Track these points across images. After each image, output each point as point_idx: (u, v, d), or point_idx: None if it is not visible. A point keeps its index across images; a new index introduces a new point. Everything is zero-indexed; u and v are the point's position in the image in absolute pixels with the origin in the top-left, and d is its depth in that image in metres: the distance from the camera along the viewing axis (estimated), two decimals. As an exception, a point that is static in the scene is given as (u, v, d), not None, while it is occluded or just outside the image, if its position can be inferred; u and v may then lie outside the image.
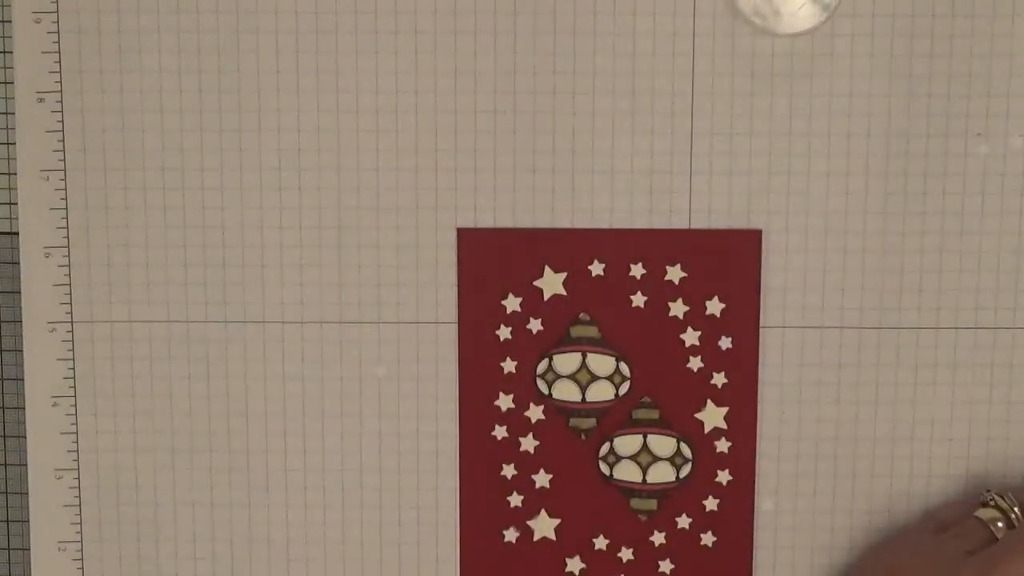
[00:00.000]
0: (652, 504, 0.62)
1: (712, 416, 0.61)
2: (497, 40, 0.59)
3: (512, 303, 0.61)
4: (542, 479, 0.61)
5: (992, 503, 0.58)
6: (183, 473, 0.62)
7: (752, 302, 0.60)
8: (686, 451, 0.61)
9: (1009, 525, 0.57)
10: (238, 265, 0.61)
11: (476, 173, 0.60)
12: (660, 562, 0.62)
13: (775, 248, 0.60)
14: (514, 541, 0.62)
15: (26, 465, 0.62)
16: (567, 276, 0.61)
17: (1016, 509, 0.57)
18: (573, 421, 0.61)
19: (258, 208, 0.61)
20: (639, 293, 0.60)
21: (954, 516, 0.59)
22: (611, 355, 0.61)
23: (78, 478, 0.62)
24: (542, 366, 0.61)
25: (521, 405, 0.61)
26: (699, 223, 0.60)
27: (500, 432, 0.61)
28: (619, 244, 0.60)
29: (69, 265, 0.61)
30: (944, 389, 0.61)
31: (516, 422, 0.61)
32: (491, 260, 0.60)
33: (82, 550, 0.62)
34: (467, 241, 0.60)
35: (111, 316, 0.61)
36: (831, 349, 0.61)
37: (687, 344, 0.61)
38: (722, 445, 0.61)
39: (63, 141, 0.60)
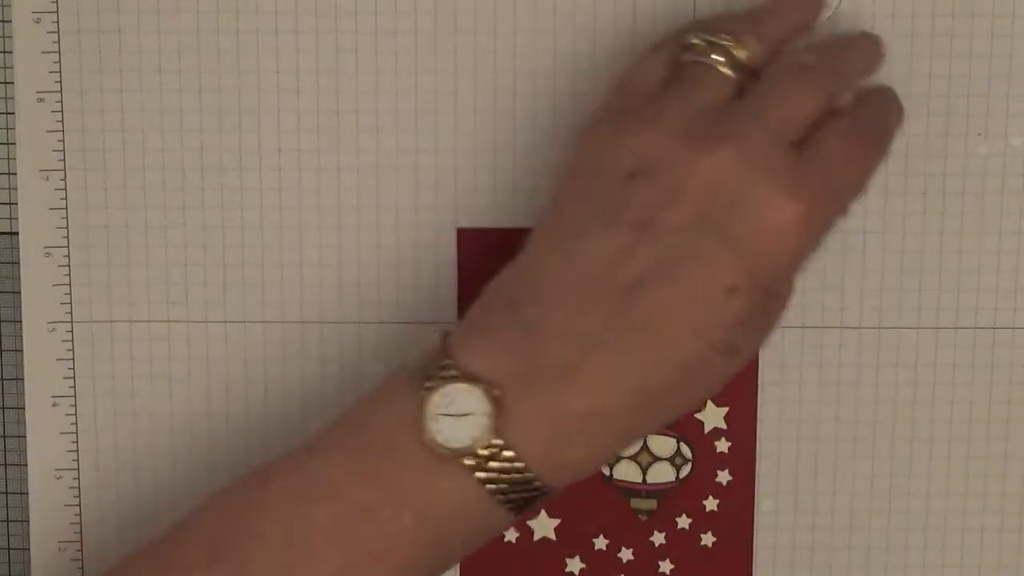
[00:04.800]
0: (652, 504, 0.62)
1: (712, 416, 0.61)
2: (497, 40, 0.59)
3: (512, 303, 0.61)
4: (542, 479, 0.62)
5: (701, 42, 0.53)
6: (183, 473, 0.62)
7: (752, 302, 0.60)
8: (686, 451, 0.61)
9: (738, 66, 0.52)
10: (238, 265, 0.61)
11: (476, 173, 0.60)
12: (660, 562, 0.62)
13: (775, 248, 0.60)
14: (514, 541, 0.62)
15: (26, 465, 0.62)
16: (567, 276, 0.60)
17: (737, 43, 0.53)
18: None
19: (258, 208, 0.60)
20: (639, 293, 0.60)
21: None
22: (611, 355, 0.61)
23: (78, 478, 0.62)
24: (542, 366, 0.61)
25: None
26: (699, 223, 0.60)
27: (500, 432, 0.61)
28: (619, 244, 0.60)
29: (69, 265, 0.61)
30: (944, 389, 0.61)
31: (516, 422, 0.61)
32: (491, 260, 0.60)
33: (82, 550, 0.62)
34: (467, 241, 0.60)
35: (111, 316, 0.61)
36: (831, 349, 0.61)
37: (687, 344, 0.61)
38: (722, 445, 0.61)
39: (63, 141, 0.60)
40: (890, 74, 0.59)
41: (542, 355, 0.49)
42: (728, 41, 0.52)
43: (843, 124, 0.51)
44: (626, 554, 0.62)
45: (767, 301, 0.50)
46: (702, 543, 0.62)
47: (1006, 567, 0.62)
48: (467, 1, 0.59)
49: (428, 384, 0.50)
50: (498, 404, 0.49)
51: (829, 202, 0.50)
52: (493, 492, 0.50)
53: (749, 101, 0.51)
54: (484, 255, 0.60)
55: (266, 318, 0.61)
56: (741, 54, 0.52)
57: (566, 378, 0.49)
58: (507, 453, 0.49)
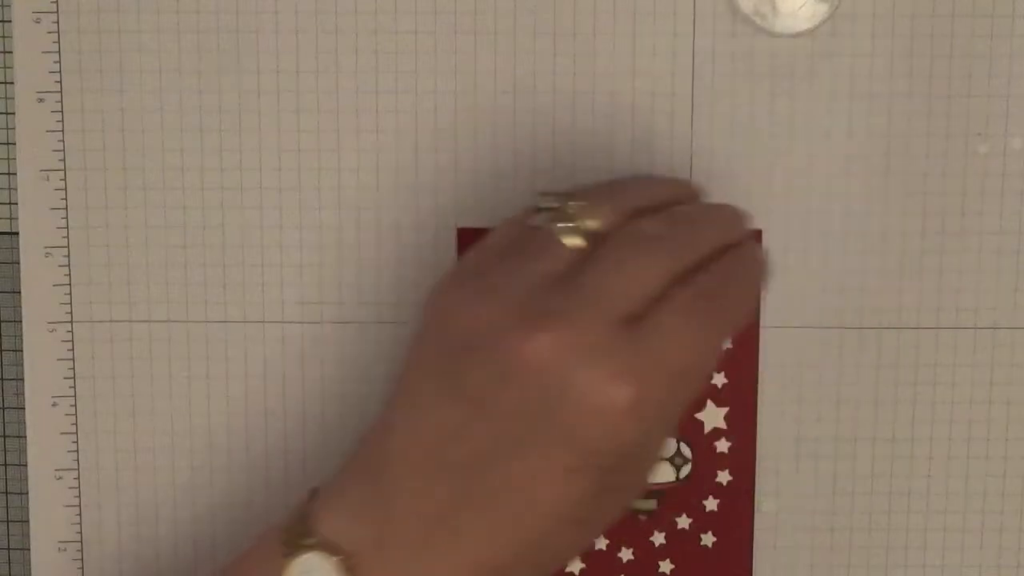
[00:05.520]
0: (652, 504, 0.62)
1: (712, 416, 0.61)
2: (497, 40, 0.59)
3: (512, 303, 0.61)
4: (542, 479, 0.61)
5: (547, 208, 0.50)
6: (183, 473, 0.62)
7: (752, 302, 0.60)
8: (686, 451, 0.61)
9: (582, 235, 0.49)
10: (238, 265, 0.61)
11: (476, 173, 0.60)
12: (660, 562, 0.62)
13: (775, 248, 0.60)
14: (514, 541, 0.62)
15: (26, 465, 0.62)
16: (567, 276, 0.60)
17: (583, 211, 0.50)
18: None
19: (258, 208, 0.61)
20: (639, 293, 0.60)
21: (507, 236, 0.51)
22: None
23: (78, 478, 0.62)
24: (542, 366, 0.61)
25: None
26: (699, 223, 0.60)
27: (500, 432, 0.61)
28: (619, 244, 0.60)
29: (69, 265, 0.61)
30: (944, 389, 0.61)
31: (516, 422, 0.61)
32: (491, 260, 0.60)
33: (82, 550, 0.62)
34: (467, 241, 0.60)
35: (111, 316, 0.61)
36: (831, 349, 0.61)
37: (687, 344, 0.61)
38: (722, 445, 0.61)
39: (63, 141, 0.60)
40: (890, 74, 0.59)
41: (394, 527, 0.49)
42: (575, 209, 0.50)
43: (683, 296, 0.48)
44: (626, 554, 0.62)
45: (615, 476, 0.49)
46: (702, 543, 0.62)
47: (1006, 567, 0.62)
48: (467, 2, 0.59)
49: (287, 551, 0.50)
50: (353, 574, 0.49)
51: (664, 382, 0.47)
52: None
53: (582, 275, 0.48)
54: (484, 255, 0.60)
55: (266, 318, 0.61)
56: (592, 223, 0.50)
57: (416, 551, 0.49)
58: None
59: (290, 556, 0.49)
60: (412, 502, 0.49)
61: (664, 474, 0.61)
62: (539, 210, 0.51)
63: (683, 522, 0.62)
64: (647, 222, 0.50)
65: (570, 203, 0.50)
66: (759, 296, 0.54)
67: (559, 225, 0.50)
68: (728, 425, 0.61)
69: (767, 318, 0.60)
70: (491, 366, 0.48)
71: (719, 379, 0.61)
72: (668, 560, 0.62)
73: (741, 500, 0.61)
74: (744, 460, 0.61)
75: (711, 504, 0.62)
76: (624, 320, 0.48)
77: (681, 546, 0.62)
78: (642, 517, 0.62)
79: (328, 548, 0.49)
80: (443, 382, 0.49)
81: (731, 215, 0.53)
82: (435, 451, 0.49)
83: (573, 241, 0.49)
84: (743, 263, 0.52)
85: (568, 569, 0.62)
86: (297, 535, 0.50)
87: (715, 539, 0.62)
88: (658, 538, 0.62)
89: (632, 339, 0.47)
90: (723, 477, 0.61)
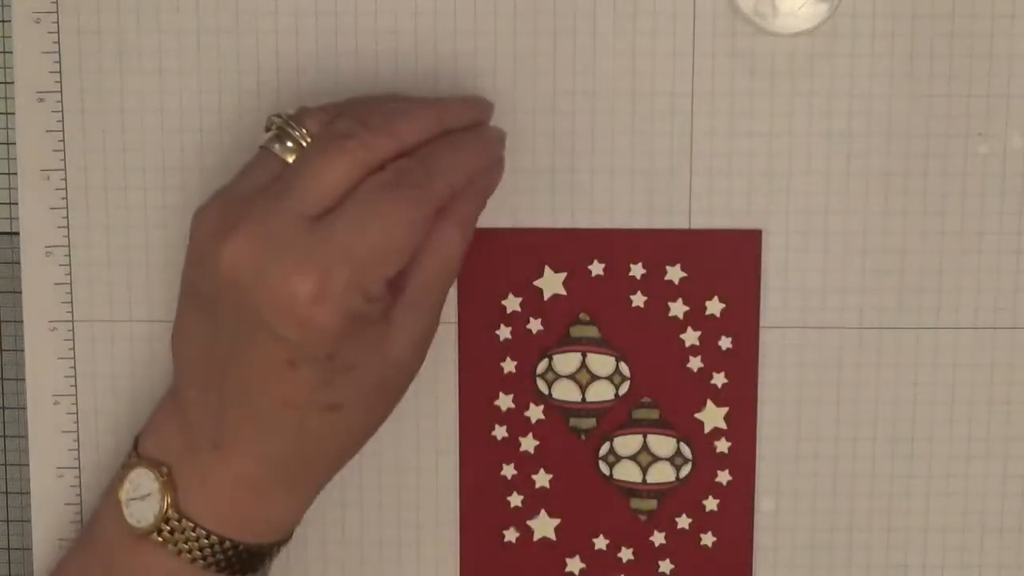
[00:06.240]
0: (652, 504, 0.62)
1: (712, 416, 0.61)
2: (497, 40, 0.59)
3: (512, 303, 0.61)
4: (542, 479, 0.62)
5: (274, 127, 0.54)
6: (184, 472, 0.62)
7: (752, 302, 0.60)
8: (686, 451, 0.61)
9: (299, 148, 0.53)
10: (238, 265, 0.61)
11: (476, 173, 0.60)
12: (660, 562, 0.62)
13: (775, 248, 0.60)
14: (514, 541, 0.62)
15: (27, 464, 0.62)
16: (567, 276, 0.61)
17: (300, 125, 0.53)
18: (573, 421, 0.61)
19: (258, 208, 0.60)
20: (639, 293, 0.60)
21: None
22: (611, 355, 0.61)
23: (79, 477, 0.62)
24: (542, 366, 0.61)
25: (521, 405, 0.61)
26: (699, 223, 0.60)
27: (500, 432, 0.61)
28: (619, 244, 0.60)
29: (70, 264, 0.61)
30: (944, 389, 0.61)
31: (516, 422, 0.61)
32: (491, 260, 0.60)
33: (83, 549, 0.62)
34: (467, 241, 0.60)
35: (112, 315, 0.61)
36: (831, 349, 0.61)
37: (687, 344, 0.61)
38: (722, 445, 0.61)
39: (63, 141, 0.60)
40: (890, 74, 0.59)
41: (192, 433, 0.54)
42: (287, 123, 0.53)
43: (369, 182, 0.51)
44: (626, 554, 0.62)
45: (341, 360, 0.51)
46: (702, 543, 0.62)
47: (1006, 567, 0.62)
48: (467, 2, 0.59)
49: (120, 474, 0.55)
50: (169, 482, 0.54)
51: (349, 267, 0.50)
52: (191, 560, 0.53)
53: (276, 181, 0.52)
54: (484, 255, 0.60)
55: (266, 318, 0.61)
56: (305, 136, 0.53)
57: (214, 453, 0.53)
58: (187, 523, 0.53)
59: (122, 478, 0.55)
60: (198, 412, 0.53)
61: (664, 474, 0.61)
62: (266, 131, 0.54)
63: (683, 522, 0.62)
64: (338, 120, 0.52)
65: (288, 120, 0.53)
66: (482, 165, 0.55)
67: (269, 140, 0.53)
68: (728, 425, 0.61)
69: (767, 318, 0.60)
70: (208, 277, 0.51)
71: (719, 379, 0.61)
72: (668, 560, 0.62)
73: (741, 500, 0.61)
74: (744, 460, 0.61)
75: (711, 504, 0.62)
76: (313, 217, 0.50)
77: (681, 546, 0.62)
78: (642, 517, 0.62)
79: (148, 463, 0.54)
80: (191, 301, 0.53)
81: (450, 104, 0.55)
82: (199, 364, 0.53)
83: (286, 156, 0.53)
84: (451, 139, 0.54)
85: (568, 569, 0.62)
86: (126, 460, 0.56)
87: (715, 539, 0.62)
88: (658, 538, 0.62)
89: (315, 231, 0.50)
90: (723, 477, 0.61)
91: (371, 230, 0.50)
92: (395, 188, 0.51)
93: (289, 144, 0.53)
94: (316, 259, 0.50)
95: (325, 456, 0.55)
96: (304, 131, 0.53)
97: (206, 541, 0.53)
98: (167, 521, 0.53)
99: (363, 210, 0.50)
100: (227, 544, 0.54)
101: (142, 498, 0.54)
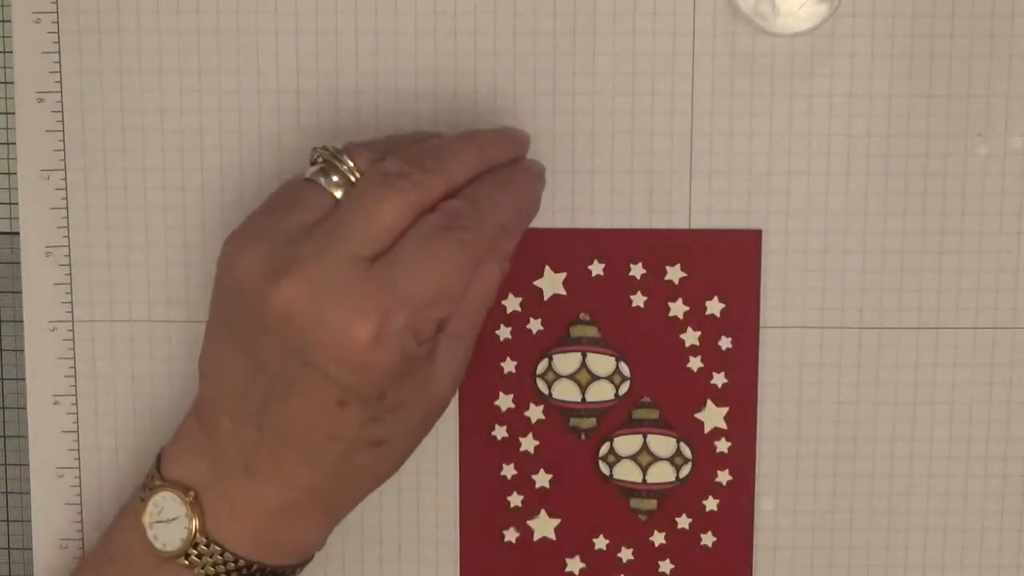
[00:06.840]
0: (652, 504, 0.62)
1: (712, 416, 0.61)
2: (497, 40, 0.59)
3: (512, 303, 0.61)
4: (542, 479, 0.62)
5: (320, 160, 0.53)
6: (184, 472, 0.62)
7: (752, 302, 0.60)
8: (686, 451, 0.61)
9: (347, 183, 0.52)
10: (238, 265, 0.61)
11: (476, 173, 0.60)
12: (660, 562, 0.62)
13: (775, 248, 0.60)
14: (514, 541, 0.62)
15: (27, 465, 0.62)
16: (567, 276, 0.61)
17: (348, 160, 0.53)
18: (573, 421, 0.61)
19: (258, 208, 0.61)
20: (639, 293, 0.60)
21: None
22: (611, 355, 0.61)
23: (79, 477, 0.62)
24: (542, 366, 0.61)
25: (521, 405, 0.61)
26: (699, 223, 0.60)
27: (500, 432, 0.61)
28: (619, 244, 0.60)
29: (70, 264, 0.61)
30: (944, 389, 0.61)
31: (516, 422, 0.61)
32: (491, 260, 0.60)
33: (84, 549, 0.62)
34: (467, 241, 0.60)
35: (112, 316, 0.61)
36: (831, 349, 0.61)
37: (687, 344, 0.61)
38: (722, 445, 0.61)
39: (63, 141, 0.60)
40: (890, 74, 0.59)
41: (222, 463, 0.54)
42: (337, 157, 0.52)
43: (423, 225, 0.51)
44: (626, 554, 0.62)
45: (389, 400, 0.51)
46: (702, 543, 0.62)
47: (1006, 567, 0.62)
48: (467, 2, 0.59)
49: (143, 496, 0.55)
50: (196, 506, 0.54)
51: (406, 310, 0.50)
52: None
53: (328, 219, 0.51)
54: (484, 255, 0.60)
55: (266, 318, 0.61)
56: (355, 172, 0.52)
57: (244, 479, 0.53)
58: (215, 548, 0.53)
59: (145, 500, 0.54)
60: (230, 441, 0.53)
61: (664, 474, 0.61)
62: (312, 163, 0.53)
63: (683, 522, 0.62)
64: (389, 160, 0.52)
65: (336, 154, 0.52)
66: (527, 203, 0.55)
67: (326, 179, 0.52)
68: (728, 425, 0.61)
69: (767, 318, 0.60)
70: (253, 317, 0.51)
71: (719, 379, 0.61)
72: (668, 560, 0.62)
73: (741, 500, 0.61)
74: (744, 460, 0.61)
75: (711, 504, 0.62)
76: (368, 258, 0.50)
77: (681, 546, 0.62)
78: (642, 517, 0.62)
79: (174, 486, 0.54)
80: (226, 334, 0.53)
81: (491, 139, 0.55)
82: (232, 397, 0.53)
83: (333, 190, 0.52)
84: (497, 177, 0.54)
85: (568, 569, 0.62)
86: (150, 482, 0.55)
87: (715, 539, 0.62)
88: (658, 538, 0.62)
89: (371, 274, 0.50)
90: (723, 477, 0.61)
91: (427, 273, 0.50)
92: (449, 231, 0.51)
93: (335, 179, 0.52)
94: (374, 302, 0.49)
95: (363, 486, 0.55)
96: (352, 165, 0.52)
97: (233, 564, 0.53)
98: (195, 546, 0.53)
99: (419, 254, 0.50)
100: (255, 567, 0.54)
101: (168, 522, 0.54)
